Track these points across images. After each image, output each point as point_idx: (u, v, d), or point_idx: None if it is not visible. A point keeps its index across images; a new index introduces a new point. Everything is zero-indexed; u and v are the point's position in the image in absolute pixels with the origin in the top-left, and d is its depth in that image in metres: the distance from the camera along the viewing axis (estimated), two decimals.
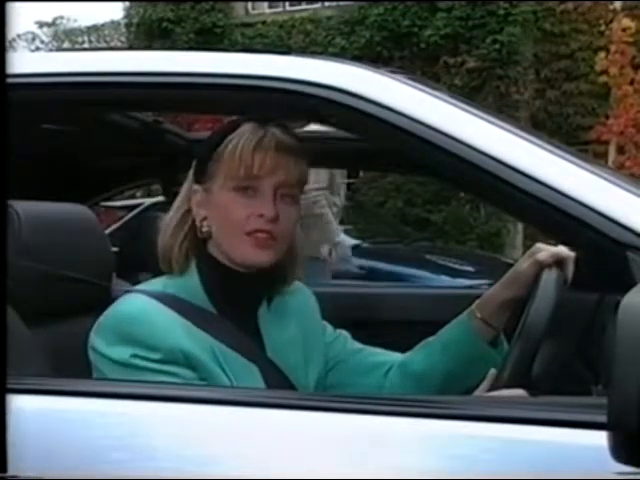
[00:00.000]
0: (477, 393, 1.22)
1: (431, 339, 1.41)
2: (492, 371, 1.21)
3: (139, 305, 1.23)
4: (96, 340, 1.21)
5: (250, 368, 1.26)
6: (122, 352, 1.18)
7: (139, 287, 1.33)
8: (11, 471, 0.97)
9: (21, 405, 1.02)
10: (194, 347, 1.20)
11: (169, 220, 1.32)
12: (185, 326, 1.22)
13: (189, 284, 1.28)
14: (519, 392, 1.10)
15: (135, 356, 1.17)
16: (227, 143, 1.27)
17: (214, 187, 1.28)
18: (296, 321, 1.38)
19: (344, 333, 1.45)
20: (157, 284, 1.30)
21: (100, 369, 1.20)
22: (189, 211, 1.31)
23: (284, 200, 1.28)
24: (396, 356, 1.43)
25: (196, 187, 1.31)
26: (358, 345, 1.44)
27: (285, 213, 1.27)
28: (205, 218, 1.29)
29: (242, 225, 1.26)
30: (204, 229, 1.29)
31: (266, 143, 1.26)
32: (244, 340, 1.28)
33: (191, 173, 1.33)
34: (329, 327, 1.44)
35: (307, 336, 1.38)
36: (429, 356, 1.39)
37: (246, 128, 1.28)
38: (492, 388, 1.17)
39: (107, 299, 1.34)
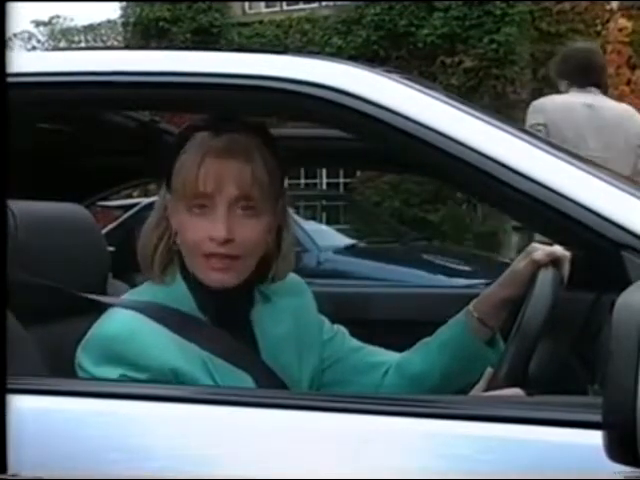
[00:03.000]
0: (474, 392, 1.22)
1: (428, 339, 1.40)
2: (489, 370, 1.21)
3: (126, 323, 1.19)
4: (83, 359, 1.19)
5: (243, 377, 1.23)
6: (110, 372, 1.16)
7: (128, 296, 1.31)
8: (10, 471, 0.97)
9: (19, 405, 1.02)
10: (184, 363, 1.17)
11: (147, 227, 1.29)
12: (174, 340, 1.19)
13: (178, 292, 1.26)
14: (516, 391, 1.10)
15: (124, 376, 1.15)
16: (179, 158, 1.23)
17: (174, 200, 1.24)
18: (291, 316, 1.35)
19: (342, 329, 1.43)
20: (146, 292, 1.28)
21: None
22: (167, 219, 1.27)
23: (245, 214, 1.21)
24: (394, 356, 1.42)
25: (168, 196, 1.26)
26: (356, 343, 1.43)
27: (244, 228, 1.21)
28: (177, 232, 1.25)
29: (198, 247, 1.21)
30: (177, 240, 1.25)
31: (209, 158, 1.20)
32: (236, 347, 1.25)
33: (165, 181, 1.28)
34: (327, 323, 1.42)
35: (302, 332, 1.36)
36: (426, 357, 1.38)
37: (193, 140, 1.23)
38: (489, 387, 1.17)
39: (98, 304, 1.33)
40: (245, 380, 1.23)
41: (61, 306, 1.40)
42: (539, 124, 3.55)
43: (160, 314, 1.22)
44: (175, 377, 1.16)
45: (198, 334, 1.23)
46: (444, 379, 1.36)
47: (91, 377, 1.17)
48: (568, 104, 3.55)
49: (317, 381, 1.37)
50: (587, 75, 3.62)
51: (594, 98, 3.60)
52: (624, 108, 3.79)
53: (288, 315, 1.36)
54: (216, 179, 1.20)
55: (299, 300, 1.40)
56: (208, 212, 1.21)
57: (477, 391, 1.21)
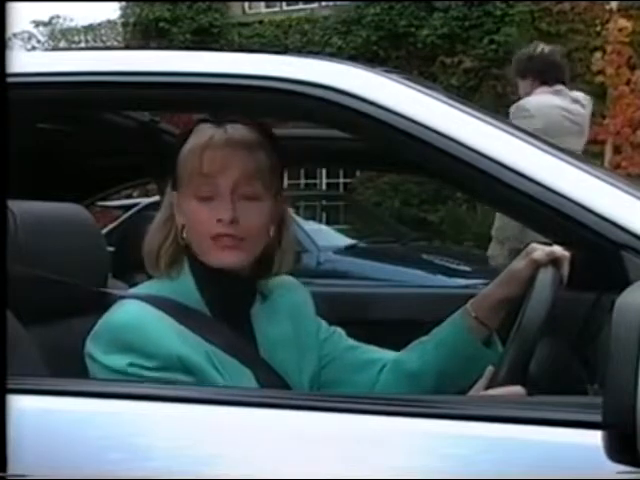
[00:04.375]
0: (474, 391, 1.22)
1: (425, 338, 1.41)
2: (489, 369, 1.22)
3: (135, 312, 1.22)
4: (92, 348, 1.21)
5: (244, 372, 1.26)
6: (119, 361, 1.18)
7: (134, 290, 1.34)
8: (10, 471, 0.97)
9: (19, 405, 1.02)
10: (190, 352, 1.20)
11: (154, 226, 1.33)
12: (181, 331, 1.22)
13: (183, 286, 1.29)
14: (517, 390, 1.10)
15: (132, 365, 1.17)
16: (182, 149, 1.29)
17: (180, 194, 1.30)
18: (290, 318, 1.38)
19: (338, 330, 1.45)
20: (152, 287, 1.31)
21: (97, 377, 1.20)
22: (173, 216, 1.31)
23: (247, 199, 1.27)
24: (390, 354, 1.43)
25: (173, 193, 1.32)
26: (352, 342, 1.44)
27: (247, 212, 1.26)
28: (184, 225, 1.30)
29: (206, 231, 1.26)
30: (184, 235, 1.29)
31: (215, 142, 1.26)
32: (238, 343, 1.28)
33: (170, 180, 1.33)
34: (324, 324, 1.44)
35: (301, 333, 1.38)
36: (422, 355, 1.39)
37: (197, 130, 1.29)
38: (489, 386, 1.17)
39: (104, 300, 1.34)
40: (246, 375, 1.25)
41: (64, 301, 1.41)
42: (537, 130, 3.00)
43: (167, 306, 1.24)
44: (182, 365, 1.18)
45: (202, 328, 1.25)
46: (440, 378, 1.36)
47: (101, 366, 1.19)
48: (551, 105, 3.37)
49: (316, 381, 1.38)
50: (554, 73, 3.49)
51: (567, 95, 3.46)
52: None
53: (287, 316, 1.38)
54: (220, 162, 1.26)
55: (296, 299, 1.42)
56: (214, 198, 1.27)
57: (478, 390, 1.21)
